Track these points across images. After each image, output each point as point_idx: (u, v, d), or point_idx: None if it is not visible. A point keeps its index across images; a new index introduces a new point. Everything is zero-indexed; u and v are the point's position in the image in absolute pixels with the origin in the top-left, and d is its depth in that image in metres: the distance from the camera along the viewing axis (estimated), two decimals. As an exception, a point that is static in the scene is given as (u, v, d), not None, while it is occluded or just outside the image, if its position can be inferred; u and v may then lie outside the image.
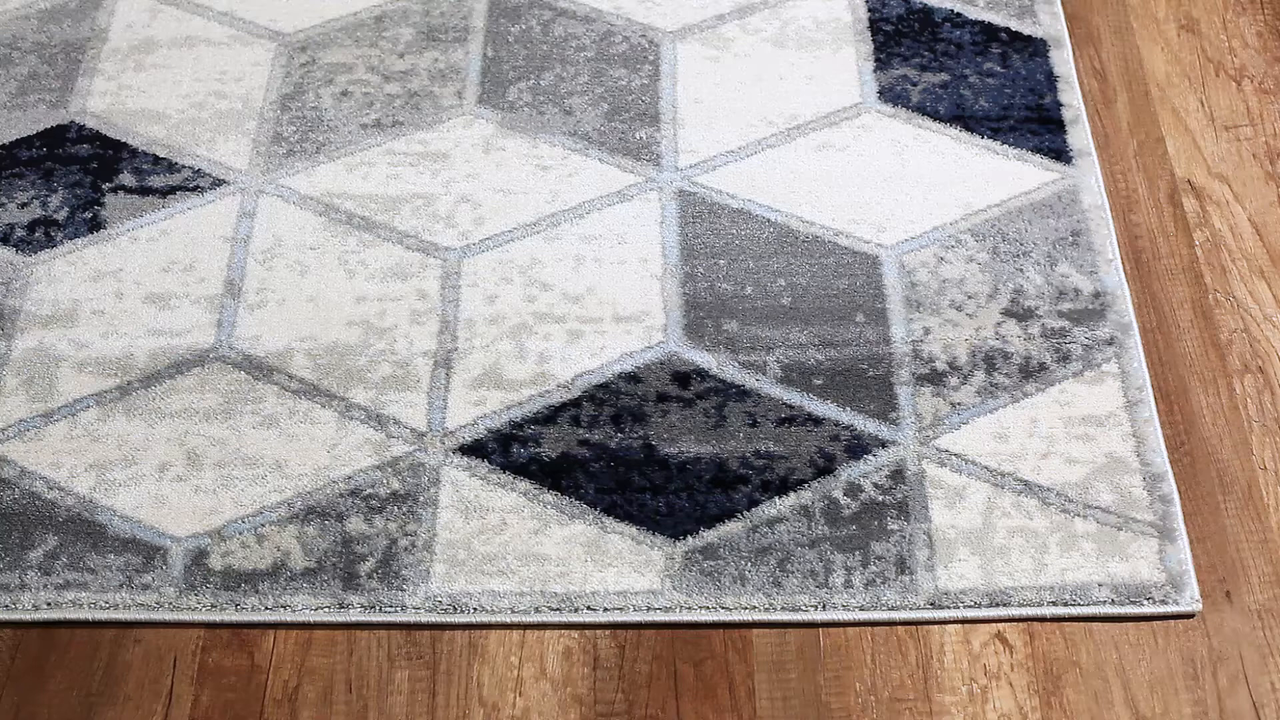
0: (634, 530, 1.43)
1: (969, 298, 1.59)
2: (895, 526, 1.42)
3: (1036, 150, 1.72)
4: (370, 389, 1.53)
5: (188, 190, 1.71)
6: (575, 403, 1.52)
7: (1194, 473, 1.47)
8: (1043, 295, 1.59)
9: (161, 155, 1.74)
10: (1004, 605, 1.38)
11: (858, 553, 1.41)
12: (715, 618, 1.38)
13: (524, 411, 1.51)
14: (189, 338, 1.58)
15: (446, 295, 1.61)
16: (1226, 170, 1.71)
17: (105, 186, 1.71)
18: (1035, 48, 1.83)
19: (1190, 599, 1.38)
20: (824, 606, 1.38)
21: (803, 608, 1.38)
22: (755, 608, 1.38)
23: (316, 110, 1.78)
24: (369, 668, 1.36)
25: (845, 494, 1.45)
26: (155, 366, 1.56)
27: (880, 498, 1.44)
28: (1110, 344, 1.55)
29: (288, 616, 1.38)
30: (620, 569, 1.41)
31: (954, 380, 1.53)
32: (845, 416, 1.50)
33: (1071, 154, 1.72)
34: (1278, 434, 1.50)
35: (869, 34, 1.85)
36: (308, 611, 1.38)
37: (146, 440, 1.50)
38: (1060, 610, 1.38)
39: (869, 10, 1.87)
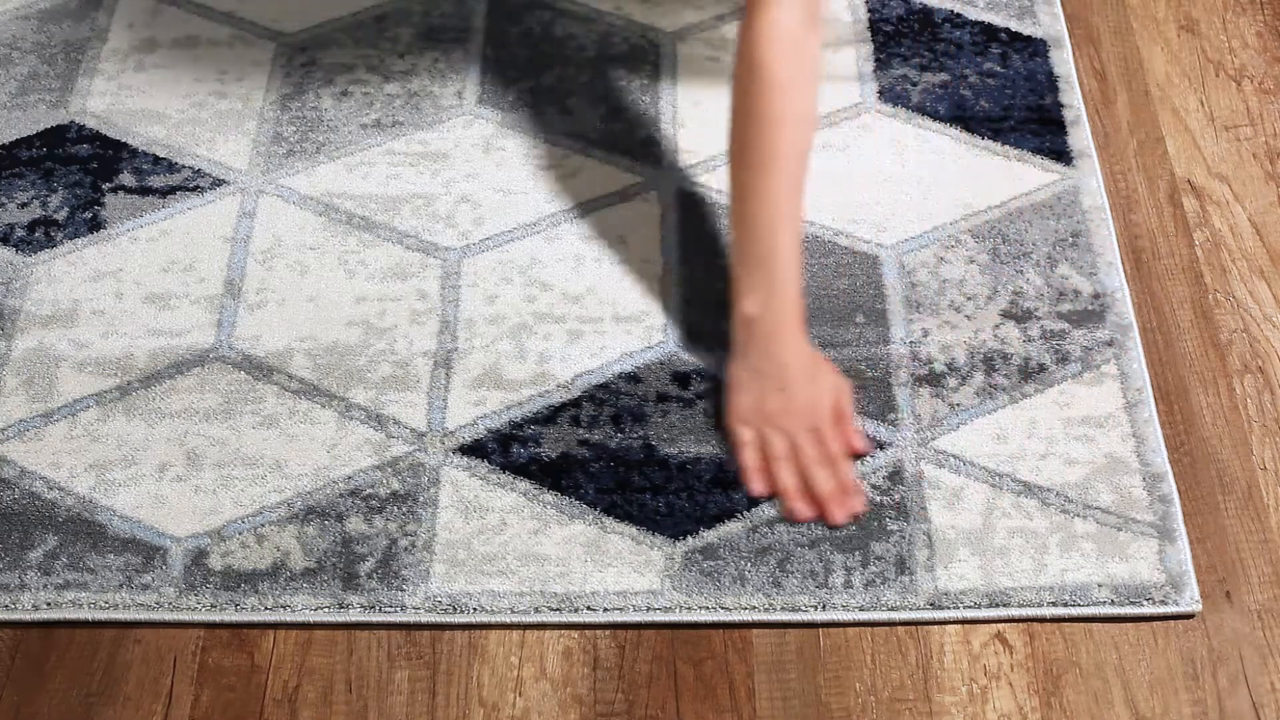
0: (634, 530, 1.43)
1: (968, 299, 1.59)
2: (895, 527, 1.42)
3: (1037, 151, 1.72)
4: (370, 389, 1.53)
5: (188, 190, 1.71)
6: (575, 403, 1.52)
7: (1194, 473, 1.47)
8: (1042, 296, 1.59)
9: (161, 155, 1.74)
10: (1004, 605, 1.38)
11: (857, 553, 1.41)
12: (715, 618, 1.38)
13: (524, 411, 1.51)
14: (189, 338, 1.58)
15: (446, 295, 1.61)
16: (1226, 170, 1.71)
17: (105, 186, 1.71)
18: (1035, 48, 1.83)
19: (1190, 599, 1.38)
20: (824, 607, 1.38)
21: (803, 608, 1.38)
22: (755, 608, 1.38)
23: (316, 110, 1.78)
24: (369, 668, 1.36)
25: (845, 494, 1.45)
26: (155, 366, 1.56)
27: (879, 498, 1.44)
28: (1110, 345, 1.55)
29: (288, 616, 1.38)
30: (620, 569, 1.41)
31: (953, 381, 1.53)
32: (845, 417, 1.50)
33: (1072, 155, 1.72)
34: (1278, 434, 1.50)
35: (869, 34, 1.85)
36: (308, 611, 1.38)
37: (146, 440, 1.50)
38: (1060, 610, 1.38)
39: (869, 10, 1.87)
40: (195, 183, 1.71)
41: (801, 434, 1.45)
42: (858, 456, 1.47)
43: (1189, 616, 1.38)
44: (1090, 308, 1.58)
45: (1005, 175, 1.71)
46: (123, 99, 1.80)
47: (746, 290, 1.46)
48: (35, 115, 1.78)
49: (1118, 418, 1.50)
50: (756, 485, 1.44)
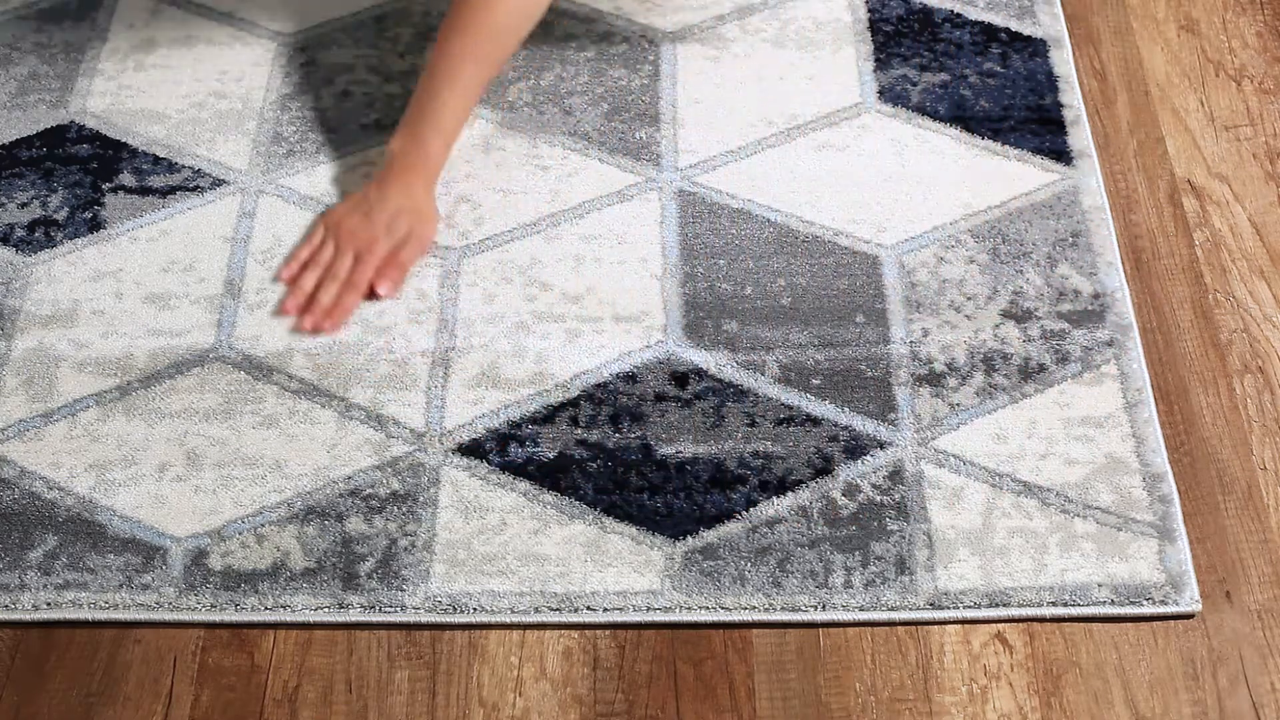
0: (633, 530, 1.43)
1: (968, 299, 1.59)
2: (895, 527, 1.42)
3: (1037, 151, 1.72)
4: (369, 388, 1.53)
5: (188, 190, 1.71)
6: (573, 402, 1.52)
7: (1194, 473, 1.47)
8: (1042, 296, 1.59)
9: (161, 155, 1.74)
10: (1004, 605, 1.38)
11: (857, 553, 1.41)
12: (715, 618, 1.38)
13: (522, 411, 1.51)
14: (189, 338, 1.58)
15: (445, 295, 1.61)
16: (1226, 170, 1.71)
17: (105, 186, 1.71)
18: (1035, 48, 1.83)
19: (1190, 599, 1.38)
20: (824, 606, 1.38)
21: (802, 608, 1.38)
22: (755, 608, 1.38)
23: (316, 110, 1.78)
24: (369, 668, 1.36)
25: (844, 494, 1.45)
26: (155, 366, 1.56)
27: (879, 498, 1.44)
28: (1110, 345, 1.55)
29: (288, 616, 1.38)
30: (620, 569, 1.41)
31: (953, 381, 1.53)
32: (844, 417, 1.50)
33: (1072, 155, 1.72)
34: (1278, 434, 1.50)
35: (869, 34, 1.85)
36: (308, 611, 1.38)
37: (146, 440, 1.50)
38: (1060, 610, 1.38)
39: (869, 10, 1.87)
40: (195, 183, 1.71)
41: (348, 254, 1.60)
42: (373, 296, 1.59)
43: (1189, 616, 1.38)
44: (1090, 308, 1.58)
45: (1005, 175, 1.71)
46: (123, 99, 1.80)
47: (400, 129, 1.65)
48: (35, 115, 1.78)
49: (1118, 418, 1.50)
50: (285, 272, 1.61)
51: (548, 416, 1.51)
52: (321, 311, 1.57)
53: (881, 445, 1.48)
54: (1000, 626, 1.38)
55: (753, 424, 1.50)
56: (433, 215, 1.63)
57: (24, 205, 1.69)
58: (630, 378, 1.54)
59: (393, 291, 1.59)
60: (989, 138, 1.74)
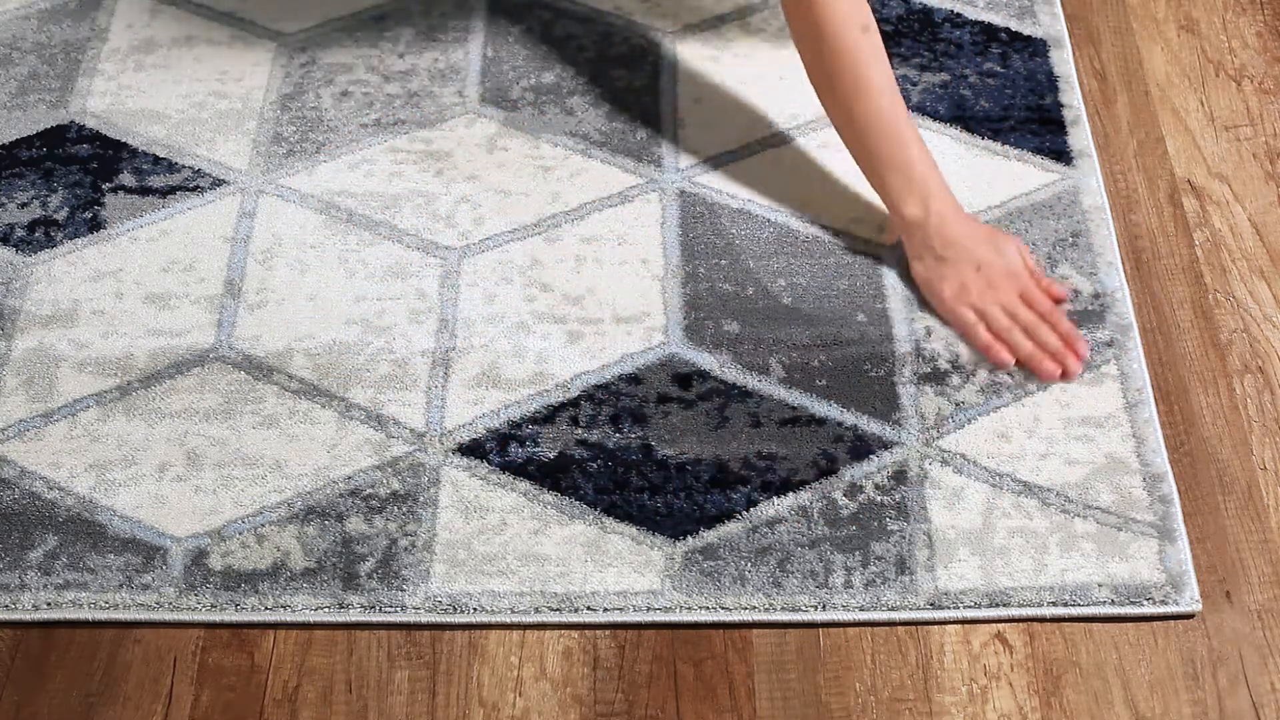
0: (634, 530, 1.43)
1: (969, 298, 1.59)
2: (895, 527, 1.42)
3: (1037, 151, 1.72)
4: (369, 388, 1.53)
5: (188, 190, 1.71)
6: (574, 403, 1.52)
7: (1194, 473, 1.47)
8: (1043, 295, 1.59)
9: (161, 155, 1.74)
10: (1004, 605, 1.38)
11: (858, 553, 1.41)
12: (715, 618, 1.38)
13: (522, 411, 1.51)
14: (189, 338, 1.58)
15: (445, 295, 1.61)
16: (1226, 170, 1.71)
17: (105, 186, 1.71)
18: (1035, 48, 1.83)
19: (1190, 599, 1.38)
20: (824, 606, 1.38)
21: (803, 608, 1.38)
22: (755, 608, 1.38)
23: (316, 110, 1.78)
24: (369, 668, 1.36)
25: (845, 494, 1.45)
26: (155, 366, 1.56)
27: (880, 498, 1.44)
28: (1110, 345, 1.55)
29: (288, 616, 1.38)
30: (620, 569, 1.40)
31: (956, 379, 1.53)
32: (848, 417, 1.50)
33: (1072, 155, 1.72)
34: (1278, 434, 1.50)
35: (869, 34, 1.85)
36: (308, 611, 1.38)
37: (146, 440, 1.50)
38: (1060, 610, 1.38)
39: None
40: (195, 183, 1.71)
41: (1013, 302, 1.54)
42: (1058, 302, 1.57)
43: (1189, 616, 1.38)
44: (1090, 308, 1.58)
45: (1005, 175, 1.71)
46: (123, 99, 1.80)
47: (901, 199, 1.56)
48: (35, 115, 1.78)
49: (1118, 418, 1.50)
50: (1004, 355, 1.52)
51: (548, 416, 1.51)
52: (1067, 349, 1.52)
53: (886, 445, 1.48)
54: (1000, 626, 1.38)
55: (757, 425, 1.50)
56: (989, 226, 1.60)
57: (24, 205, 1.69)
58: (633, 379, 1.54)
59: (1066, 289, 1.57)
60: (989, 138, 1.74)
